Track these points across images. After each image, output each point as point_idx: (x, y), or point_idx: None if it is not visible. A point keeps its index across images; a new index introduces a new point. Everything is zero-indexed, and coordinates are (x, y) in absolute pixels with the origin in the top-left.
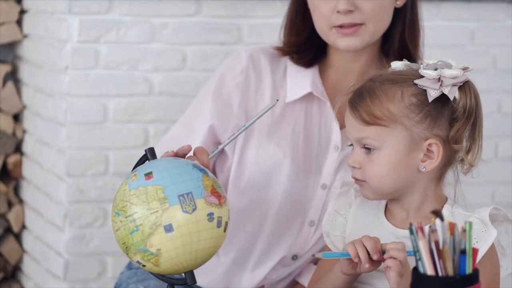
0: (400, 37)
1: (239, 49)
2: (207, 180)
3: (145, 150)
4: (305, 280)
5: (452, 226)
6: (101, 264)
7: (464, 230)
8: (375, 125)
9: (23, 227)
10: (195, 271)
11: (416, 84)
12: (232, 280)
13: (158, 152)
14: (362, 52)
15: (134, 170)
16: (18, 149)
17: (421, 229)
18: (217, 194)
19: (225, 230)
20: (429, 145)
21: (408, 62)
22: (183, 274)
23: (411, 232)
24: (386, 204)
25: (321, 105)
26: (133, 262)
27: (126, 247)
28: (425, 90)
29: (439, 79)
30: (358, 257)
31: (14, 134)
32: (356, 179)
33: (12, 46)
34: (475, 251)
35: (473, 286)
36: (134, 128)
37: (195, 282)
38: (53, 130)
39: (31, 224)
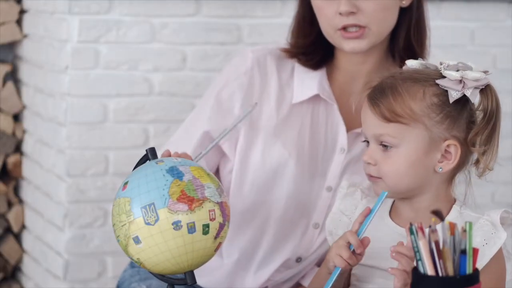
0: (405, 37)
1: (238, 49)
2: (176, 186)
3: (146, 150)
4: (308, 283)
5: (452, 226)
6: (101, 264)
7: (464, 230)
8: (396, 122)
9: (23, 227)
10: (196, 271)
11: (437, 84)
12: (235, 281)
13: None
14: (369, 54)
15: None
16: (18, 149)
17: (421, 229)
18: (188, 199)
19: (205, 233)
20: (448, 146)
21: (424, 62)
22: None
23: (411, 232)
24: (392, 205)
25: (328, 107)
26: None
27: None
28: (446, 91)
29: (461, 81)
30: (347, 262)
31: (14, 134)
32: (371, 176)
33: (12, 46)
34: (475, 251)
35: (473, 286)
36: (134, 128)
37: (195, 282)
38: (53, 130)
39: (31, 224)
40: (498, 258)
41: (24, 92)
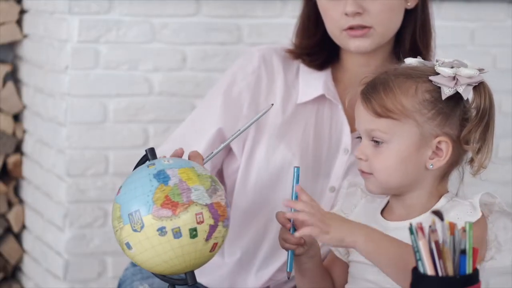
0: (411, 39)
1: (238, 49)
2: (160, 192)
3: (146, 150)
4: None
5: (452, 226)
6: (101, 264)
7: (464, 230)
8: (387, 117)
9: (23, 227)
10: (198, 271)
11: (430, 81)
12: (237, 281)
13: (166, 149)
14: (374, 55)
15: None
16: (18, 149)
17: (421, 229)
18: (172, 204)
19: (193, 237)
20: (439, 142)
21: (422, 60)
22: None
23: (411, 232)
24: (387, 204)
25: (332, 107)
26: None
27: None
28: (439, 87)
29: (454, 78)
30: (296, 243)
31: (14, 134)
32: (363, 172)
33: (12, 46)
34: (475, 251)
35: (473, 286)
36: (134, 128)
37: (196, 282)
38: (53, 130)
39: (31, 224)
40: (479, 223)
41: (24, 92)
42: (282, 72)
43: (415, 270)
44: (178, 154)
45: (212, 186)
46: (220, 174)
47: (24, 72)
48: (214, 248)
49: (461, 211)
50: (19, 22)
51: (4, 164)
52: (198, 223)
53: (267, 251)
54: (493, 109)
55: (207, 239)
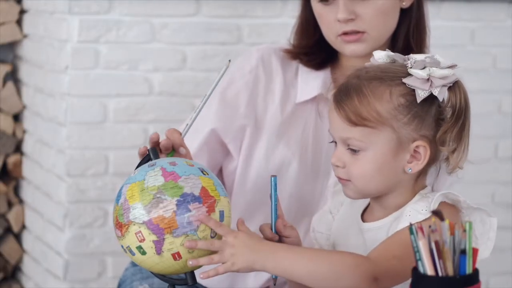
0: (405, 38)
1: (238, 49)
2: (114, 212)
3: (148, 150)
4: None
5: (452, 226)
6: (101, 264)
7: (464, 230)
8: (362, 126)
9: (23, 227)
10: (197, 270)
11: (404, 83)
12: (237, 280)
13: None
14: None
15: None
16: (18, 149)
17: (421, 229)
18: (119, 225)
19: (143, 253)
20: (417, 146)
21: (392, 53)
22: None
23: (411, 232)
24: (367, 206)
25: None
26: None
27: None
28: (413, 90)
29: (428, 79)
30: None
31: (14, 134)
32: (340, 178)
33: (12, 46)
34: (475, 251)
35: (473, 286)
36: (134, 128)
37: (196, 282)
38: (53, 130)
39: (31, 224)
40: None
41: (24, 92)
42: (280, 72)
43: (415, 270)
44: (153, 139)
45: (154, 199)
46: (219, 174)
47: (24, 72)
48: (177, 257)
49: (414, 209)
50: (19, 22)
51: (4, 164)
52: (140, 241)
53: None
54: (468, 109)
55: (158, 253)
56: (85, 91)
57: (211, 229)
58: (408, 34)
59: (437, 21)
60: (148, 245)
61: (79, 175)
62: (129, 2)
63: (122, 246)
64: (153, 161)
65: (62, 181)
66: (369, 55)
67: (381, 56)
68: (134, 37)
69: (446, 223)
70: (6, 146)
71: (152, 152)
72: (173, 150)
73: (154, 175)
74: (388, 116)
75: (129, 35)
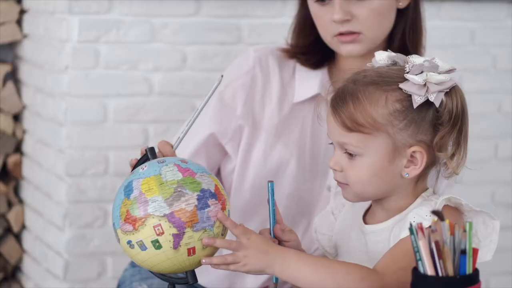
0: (401, 38)
1: (238, 49)
2: (124, 206)
3: (146, 150)
4: None
5: (452, 226)
6: (101, 264)
7: (464, 230)
8: (358, 132)
9: (23, 227)
10: (197, 270)
11: (401, 89)
12: (236, 280)
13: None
14: (369, 56)
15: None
16: (18, 149)
17: (421, 229)
18: (131, 219)
19: (158, 248)
20: (413, 152)
21: (393, 53)
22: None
23: (411, 232)
24: (369, 208)
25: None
26: None
27: None
28: (409, 95)
29: (424, 85)
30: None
31: (14, 134)
32: (339, 182)
33: (12, 46)
34: (475, 251)
35: (473, 286)
36: (134, 128)
37: (196, 281)
38: (53, 130)
39: (31, 224)
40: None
41: (24, 92)
42: (278, 72)
43: (415, 270)
44: (133, 164)
45: (175, 193)
46: (218, 175)
47: (24, 72)
48: (192, 253)
49: (418, 214)
50: (19, 22)
51: (4, 164)
52: (158, 234)
53: None
54: (465, 114)
55: (175, 247)
56: (85, 91)
57: (223, 226)
58: (404, 34)
59: (437, 21)
60: (166, 239)
61: (79, 175)
62: (129, 2)
63: (129, 242)
64: (162, 158)
65: (62, 181)
66: (365, 55)
67: (382, 58)
68: (134, 37)
69: (446, 223)
70: (6, 146)
71: (150, 152)
72: None
73: (170, 170)
74: (384, 122)
75: (129, 35)
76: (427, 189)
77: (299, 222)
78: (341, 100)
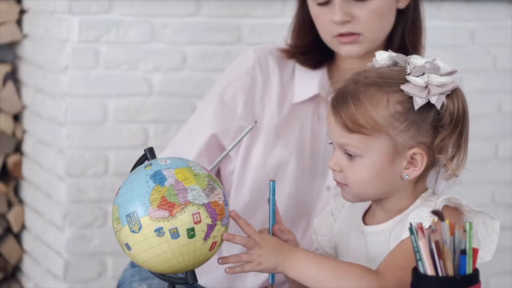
0: (400, 38)
1: (238, 49)
2: (157, 193)
3: (145, 150)
4: None
5: (452, 226)
6: (101, 264)
7: (464, 230)
8: (358, 133)
9: (23, 227)
10: (197, 270)
11: (402, 90)
12: (235, 281)
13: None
14: (369, 55)
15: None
16: (18, 149)
17: (421, 229)
18: (169, 205)
19: (191, 237)
20: (413, 153)
21: (394, 54)
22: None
23: (411, 232)
24: (368, 209)
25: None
26: None
27: None
28: (410, 97)
29: (426, 87)
30: None
31: (14, 134)
32: (338, 182)
33: (12, 46)
34: (475, 251)
35: (473, 286)
36: (134, 128)
37: (196, 281)
38: (53, 130)
39: (31, 224)
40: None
41: (24, 92)
42: (277, 72)
43: (415, 270)
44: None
45: (209, 185)
46: (218, 176)
47: (24, 72)
48: (213, 247)
49: (418, 215)
50: (19, 22)
51: (4, 164)
52: (195, 223)
53: None
54: (466, 116)
55: (205, 239)
56: (85, 91)
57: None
58: (404, 34)
59: (437, 21)
60: (201, 228)
61: (79, 175)
62: (129, 2)
63: (159, 229)
64: (150, 162)
65: (62, 181)
66: (365, 55)
67: (383, 58)
68: (134, 37)
69: (446, 223)
70: (6, 146)
71: (149, 152)
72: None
73: (195, 165)
74: (385, 124)
75: (129, 35)
76: (426, 189)
77: (299, 222)
78: (342, 101)
